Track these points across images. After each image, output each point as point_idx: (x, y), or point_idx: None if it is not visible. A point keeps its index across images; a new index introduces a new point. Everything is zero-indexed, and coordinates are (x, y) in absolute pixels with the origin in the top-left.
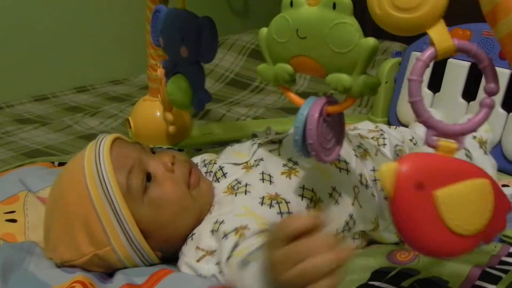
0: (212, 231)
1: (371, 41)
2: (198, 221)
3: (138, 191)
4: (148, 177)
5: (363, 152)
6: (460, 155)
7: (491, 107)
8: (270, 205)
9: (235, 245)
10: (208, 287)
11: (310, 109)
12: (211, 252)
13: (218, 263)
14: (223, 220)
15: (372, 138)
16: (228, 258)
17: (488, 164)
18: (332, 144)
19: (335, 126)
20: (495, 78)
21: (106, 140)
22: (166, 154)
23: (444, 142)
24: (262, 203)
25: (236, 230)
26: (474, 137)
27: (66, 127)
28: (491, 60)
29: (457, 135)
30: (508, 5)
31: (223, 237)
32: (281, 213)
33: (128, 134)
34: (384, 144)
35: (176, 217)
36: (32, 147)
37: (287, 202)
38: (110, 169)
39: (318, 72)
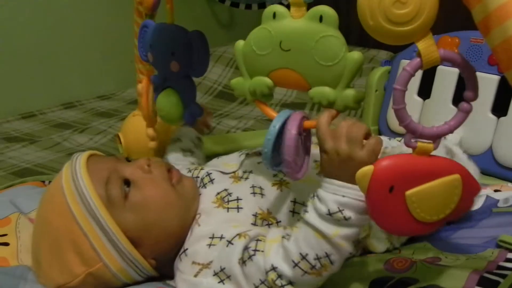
0: (210, 245)
1: (357, 55)
2: (186, 223)
3: (119, 199)
4: (127, 182)
5: None
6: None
7: (468, 112)
8: (261, 226)
9: (245, 247)
10: None
11: (288, 124)
12: (208, 264)
13: (216, 274)
14: (221, 235)
15: None
16: (241, 259)
17: (470, 168)
18: (301, 160)
19: (305, 141)
20: (475, 86)
21: (81, 158)
22: (141, 158)
23: (421, 144)
24: (254, 225)
25: (238, 235)
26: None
27: (55, 145)
28: (473, 69)
29: (434, 137)
30: (500, 14)
31: (227, 245)
32: None
33: (119, 149)
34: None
35: (161, 216)
36: (22, 166)
37: (277, 222)
38: (89, 183)
39: (300, 85)
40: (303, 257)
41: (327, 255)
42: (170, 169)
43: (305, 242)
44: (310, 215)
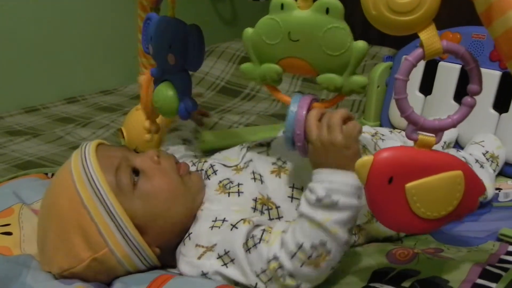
0: (212, 227)
1: (362, 44)
2: (191, 213)
3: (128, 186)
4: (136, 172)
5: (361, 149)
6: None
7: (472, 106)
8: (261, 212)
9: (249, 232)
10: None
11: (299, 104)
12: (211, 247)
13: (220, 257)
14: (224, 218)
15: (368, 132)
16: (245, 243)
17: (485, 175)
18: None
19: None
20: (479, 79)
21: (90, 145)
22: (150, 150)
23: (423, 136)
24: (254, 209)
25: (243, 220)
26: (486, 152)
27: (58, 138)
28: (477, 62)
29: (436, 130)
30: (503, 5)
31: (231, 229)
32: (271, 219)
33: (121, 144)
34: (383, 139)
35: (169, 206)
36: (24, 159)
37: (277, 207)
38: (98, 169)
39: (308, 72)
40: (300, 247)
41: (323, 244)
42: (177, 161)
43: (301, 232)
44: (302, 206)
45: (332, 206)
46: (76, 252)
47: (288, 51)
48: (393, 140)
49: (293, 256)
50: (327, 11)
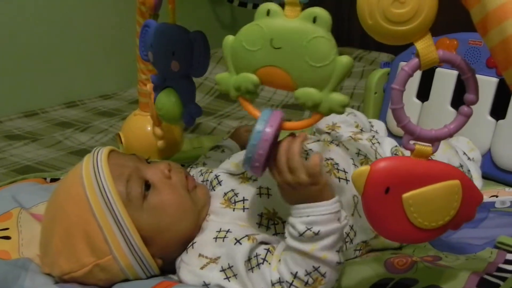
0: (216, 238)
1: (346, 59)
2: (197, 226)
3: (137, 198)
4: (147, 184)
5: (363, 159)
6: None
7: (468, 115)
8: (267, 227)
9: (251, 249)
10: None
11: (268, 121)
12: (215, 259)
13: (223, 270)
14: (228, 229)
15: (366, 139)
16: (248, 260)
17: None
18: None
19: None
20: (476, 89)
21: (103, 151)
22: (161, 162)
23: (419, 146)
24: (260, 224)
25: (247, 236)
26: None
27: (57, 143)
28: (473, 72)
29: (432, 140)
30: (498, 15)
31: (235, 243)
32: (276, 233)
33: (119, 149)
34: (378, 143)
35: (176, 221)
36: (23, 163)
37: (283, 222)
38: (110, 178)
39: (286, 85)
40: (295, 276)
41: (315, 269)
42: (187, 176)
43: (293, 262)
44: (288, 240)
45: (315, 236)
46: (79, 257)
47: (268, 59)
48: (388, 139)
49: (290, 285)
50: (314, 20)
